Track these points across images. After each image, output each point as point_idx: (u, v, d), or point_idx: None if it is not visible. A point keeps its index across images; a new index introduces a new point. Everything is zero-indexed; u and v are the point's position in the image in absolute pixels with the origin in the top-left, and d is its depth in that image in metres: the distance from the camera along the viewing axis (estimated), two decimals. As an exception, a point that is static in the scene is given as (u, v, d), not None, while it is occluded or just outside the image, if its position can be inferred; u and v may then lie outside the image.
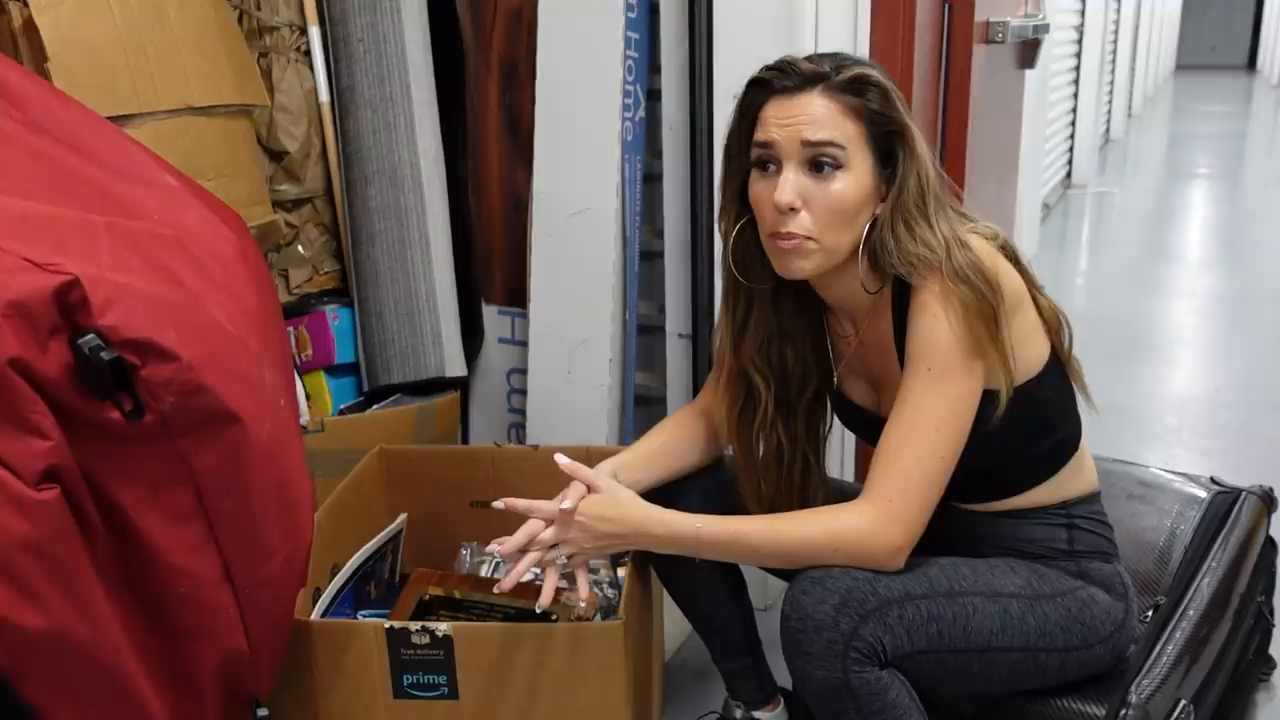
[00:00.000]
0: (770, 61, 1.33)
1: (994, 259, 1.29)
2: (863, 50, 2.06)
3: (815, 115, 1.27)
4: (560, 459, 1.40)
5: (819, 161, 1.27)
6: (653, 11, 2.02)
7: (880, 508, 1.28)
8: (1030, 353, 1.34)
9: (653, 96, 2.07)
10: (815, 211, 1.28)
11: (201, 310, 1.14)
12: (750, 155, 1.33)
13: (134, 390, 1.03)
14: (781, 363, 1.46)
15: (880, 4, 2.02)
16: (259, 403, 1.17)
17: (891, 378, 1.36)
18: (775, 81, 1.30)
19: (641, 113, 2.06)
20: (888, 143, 1.29)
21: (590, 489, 1.39)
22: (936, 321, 1.26)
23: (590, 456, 1.50)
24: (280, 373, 1.29)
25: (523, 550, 1.36)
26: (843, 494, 1.55)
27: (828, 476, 1.56)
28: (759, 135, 1.31)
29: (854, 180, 1.28)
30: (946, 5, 2.24)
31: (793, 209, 1.28)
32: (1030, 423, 1.35)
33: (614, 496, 1.38)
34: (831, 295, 1.40)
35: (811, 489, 1.52)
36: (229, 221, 1.35)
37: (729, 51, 1.91)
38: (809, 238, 1.29)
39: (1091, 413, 1.43)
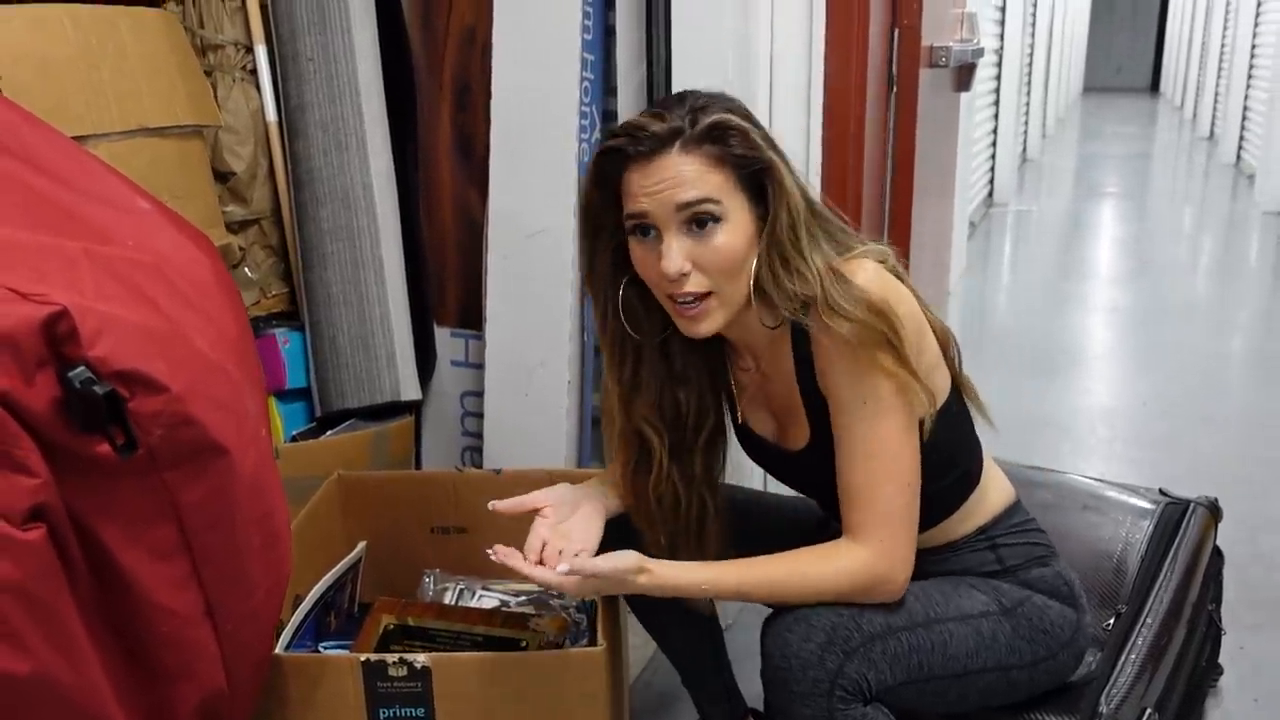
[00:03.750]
0: (630, 121, 1.25)
1: (884, 286, 1.25)
2: (817, 72, 2.09)
3: (682, 175, 1.21)
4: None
5: (698, 219, 1.22)
6: (608, 33, 2.03)
7: (873, 548, 1.26)
8: (935, 384, 1.31)
9: (608, 118, 2.08)
10: (706, 269, 1.24)
11: (184, 338, 1.10)
12: (624, 225, 1.28)
13: (125, 424, 1.00)
14: (675, 409, 1.40)
15: (834, 27, 2.06)
16: (242, 433, 1.13)
17: (793, 409, 1.34)
18: (629, 148, 1.23)
19: (597, 134, 2.06)
20: (757, 180, 1.25)
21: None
22: (842, 366, 1.24)
23: (552, 478, 1.51)
24: (258, 400, 1.25)
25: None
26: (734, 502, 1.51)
27: (724, 508, 1.48)
28: (630, 207, 1.25)
29: (734, 229, 1.24)
30: (895, 31, 2.29)
31: (683, 274, 1.24)
32: (932, 458, 1.30)
33: (622, 580, 1.27)
34: (733, 335, 1.36)
35: (708, 528, 1.45)
36: (200, 244, 1.31)
37: (687, 74, 1.91)
38: (708, 293, 1.25)
39: (991, 431, 1.41)
